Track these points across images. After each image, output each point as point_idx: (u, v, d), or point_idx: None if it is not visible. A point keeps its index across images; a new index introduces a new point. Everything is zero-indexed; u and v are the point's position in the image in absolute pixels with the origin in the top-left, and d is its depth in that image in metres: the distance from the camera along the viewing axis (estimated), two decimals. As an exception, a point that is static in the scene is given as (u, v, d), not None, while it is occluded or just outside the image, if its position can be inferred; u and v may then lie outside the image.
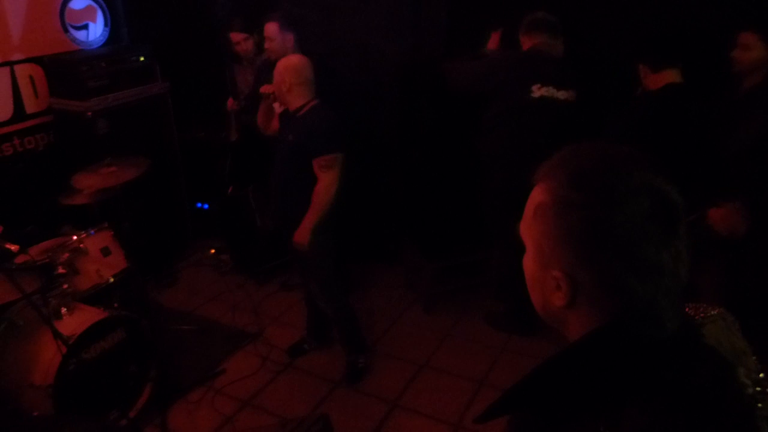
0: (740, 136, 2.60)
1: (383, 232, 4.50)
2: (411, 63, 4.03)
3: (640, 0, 3.21)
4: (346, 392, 3.28)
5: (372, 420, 3.06)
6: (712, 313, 0.94)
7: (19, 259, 2.73)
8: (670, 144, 2.58)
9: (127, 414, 2.92)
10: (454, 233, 3.97)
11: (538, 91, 3.14)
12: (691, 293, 0.92)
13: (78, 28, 4.43)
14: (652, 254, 0.78)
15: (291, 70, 2.96)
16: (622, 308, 0.81)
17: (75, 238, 3.12)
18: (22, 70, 4.11)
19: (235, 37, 4.04)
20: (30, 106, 4.19)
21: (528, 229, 0.90)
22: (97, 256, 3.18)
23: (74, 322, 2.82)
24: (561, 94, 3.16)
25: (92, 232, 3.20)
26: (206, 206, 4.98)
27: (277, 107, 3.26)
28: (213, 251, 4.78)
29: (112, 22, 4.64)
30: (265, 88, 3.12)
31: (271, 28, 3.59)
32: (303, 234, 2.99)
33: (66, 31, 4.35)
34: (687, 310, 0.93)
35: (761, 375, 0.86)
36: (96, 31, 4.56)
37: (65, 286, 2.94)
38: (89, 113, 3.98)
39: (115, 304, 3.23)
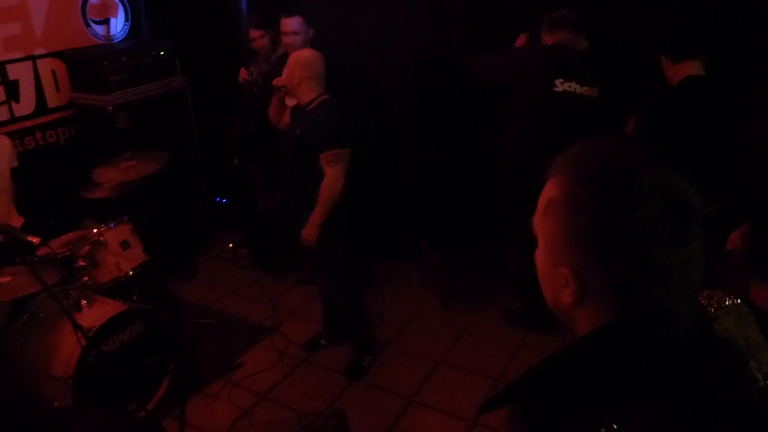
0: (762, 134, 2.54)
1: (401, 227, 4.49)
2: (429, 58, 4.00)
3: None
4: (362, 387, 3.28)
5: (388, 415, 3.06)
6: (727, 303, 0.92)
7: (41, 252, 2.76)
8: (688, 139, 2.54)
9: (146, 406, 2.94)
10: (471, 229, 3.95)
11: (561, 86, 3.10)
12: (713, 285, 0.90)
13: (99, 23, 4.47)
14: (662, 258, 0.77)
15: (302, 63, 2.96)
16: (630, 309, 0.80)
17: (95, 231, 3.14)
18: (44, 65, 4.16)
19: (252, 33, 4.04)
20: (52, 100, 4.24)
21: (540, 224, 0.89)
22: (117, 249, 3.21)
23: (94, 314, 2.85)
24: (584, 90, 3.13)
25: (112, 225, 3.23)
26: (225, 201, 5.00)
27: (288, 101, 3.26)
28: (231, 245, 4.81)
29: (132, 17, 4.68)
30: (277, 81, 3.12)
31: (296, 23, 3.59)
32: (311, 230, 2.99)
33: (87, 25, 4.39)
34: (701, 299, 0.91)
35: None
36: (117, 25, 4.60)
37: (85, 278, 2.97)
38: (110, 107, 4.01)
39: (134, 297, 3.26)
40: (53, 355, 2.75)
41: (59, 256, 2.87)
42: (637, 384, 0.76)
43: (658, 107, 2.73)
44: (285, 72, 3.01)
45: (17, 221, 3.49)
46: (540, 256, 0.91)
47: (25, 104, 4.09)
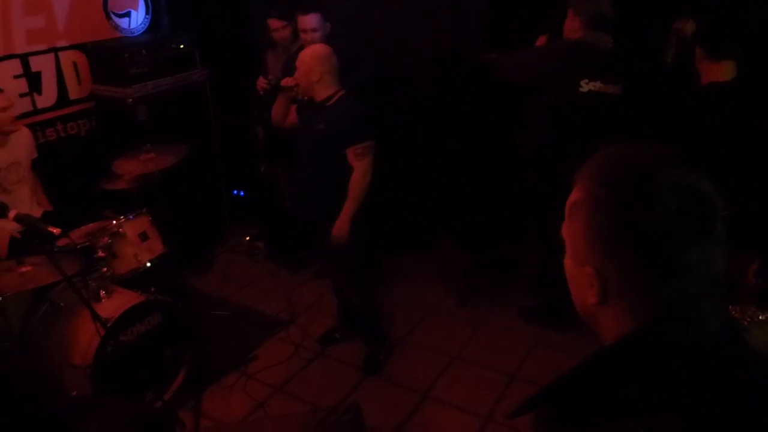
0: None
1: (418, 223, 4.48)
2: (449, 55, 3.98)
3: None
4: (377, 382, 3.29)
5: (402, 410, 3.06)
6: (761, 317, 0.91)
7: (61, 242, 2.79)
8: (713, 146, 2.49)
9: (162, 396, 2.97)
10: (488, 226, 3.93)
11: (586, 86, 3.04)
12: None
13: (120, 16, 4.50)
14: (681, 254, 0.78)
15: (321, 59, 2.94)
16: (658, 307, 0.80)
17: (114, 222, 3.18)
18: (66, 57, 4.20)
19: (274, 23, 4.04)
20: (73, 92, 4.28)
21: (566, 228, 0.91)
22: (136, 240, 3.24)
23: (112, 305, 2.88)
24: (607, 89, 3.06)
25: (131, 217, 3.26)
26: (242, 194, 5.03)
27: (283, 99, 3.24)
28: (248, 238, 4.83)
29: (153, 10, 4.70)
30: (286, 81, 3.09)
31: (315, 20, 3.58)
32: (342, 226, 2.99)
33: (109, 18, 4.42)
34: (734, 313, 0.91)
35: None
36: (138, 18, 4.63)
37: (104, 269, 3.00)
38: (130, 100, 4.04)
39: (152, 288, 3.28)
40: (72, 345, 2.78)
41: (79, 246, 2.90)
42: (668, 387, 0.77)
43: (683, 116, 2.66)
44: (301, 69, 2.97)
45: (39, 211, 3.54)
46: (567, 260, 0.93)
47: (47, 96, 4.14)
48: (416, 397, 3.15)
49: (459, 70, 3.90)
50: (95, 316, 2.59)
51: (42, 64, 4.07)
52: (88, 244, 2.99)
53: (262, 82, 4.05)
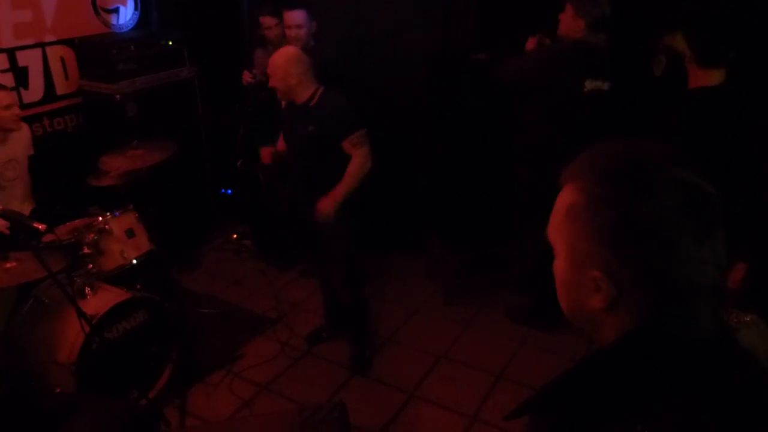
0: None
1: (407, 222, 4.49)
2: (440, 54, 3.99)
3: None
4: (363, 381, 3.29)
5: (388, 409, 3.07)
6: (746, 319, 0.92)
7: (47, 238, 2.77)
8: (701, 148, 2.50)
9: (147, 394, 2.96)
10: (477, 225, 3.94)
11: (589, 86, 3.10)
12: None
13: (109, 12, 4.47)
14: (689, 250, 0.77)
15: (295, 61, 2.92)
16: (660, 305, 0.80)
17: (101, 219, 3.16)
18: (53, 52, 4.17)
19: (266, 21, 4.03)
20: (60, 87, 4.25)
21: (559, 232, 0.88)
22: (122, 237, 3.21)
23: (98, 302, 2.86)
24: (604, 86, 3.13)
25: (117, 213, 3.23)
26: (230, 192, 5.01)
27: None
28: (235, 236, 4.82)
29: (142, 6, 4.67)
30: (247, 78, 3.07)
31: (300, 16, 3.57)
32: (329, 203, 2.97)
33: (97, 13, 4.39)
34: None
35: None
36: (126, 14, 4.59)
37: (90, 266, 2.98)
38: (118, 96, 4.02)
39: (138, 286, 3.27)
40: (57, 342, 2.76)
41: (64, 242, 2.88)
42: (670, 386, 0.76)
43: (671, 119, 2.67)
44: (277, 75, 2.93)
45: (29, 208, 3.51)
46: (561, 265, 0.90)
47: (34, 91, 4.10)
48: (403, 396, 3.16)
49: (451, 69, 3.90)
50: (80, 313, 2.58)
51: (29, 59, 4.04)
52: (73, 240, 2.97)
53: (247, 76, 4.05)
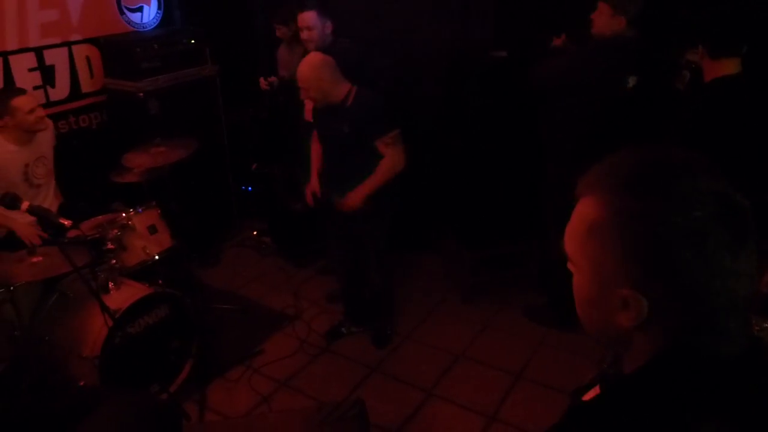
0: None
1: (424, 220, 4.48)
2: (458, 51, 3.98)
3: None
4: (381, 378, 3.30)
5: (407, 407, 3.07)
6: (765, 325, 0.91)
7: (71, 234, 2.82)
8: (724, 143, 2.48)
9: (168, 388, 3.00)
10: (494, 224, 3.93)
11: (631, 82, 3.09)
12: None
13: (133, 11, 4.53)
14: (726, 260, 0.73)
15: (323, 66, 2.95)
16: (694, 320, 0.76)
17: (124, 215, 3.20)
18: (79, 51, 4.24)
19: (279, 30, 4.08)
20: (85, 85, 4.32)
21: (581, 249, 0.83)
22: (144, 233, 3.26)
23: (121, 296, 2.91)
24: (637, 82, 3.11)
25: (140, 210, 3.28)
26: (250, 189, 5.05)
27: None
28: (255, 233, 4.85)
29: (165, 5, 4.73)
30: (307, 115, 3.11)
31: (310, 17, 3.53)
32: (357, 197, 3.06)
33: (122, 13, 4.45)
34: None
35: None
36: (150, 13, 4.65)
37: (113, 261, 3.03)
38: (141, 94, 4.07)
39: (160, 281, 3.31)
40: (81, 335, 2.81)
41: (89, 238, 2.93)
42: (706, 408, 0.74)
43: (690, 114, 2.66)
44: (312, 86, 2.96)
45: (56, 203, 3.58)
46: (583, 282, 0.85)
47: (60, 89, 4.17)
48: (421, 394, 3.16)
49: (467, 66, 3.89)
50: (104, 308, 2.62)
51: (56, 58, 4.11)
52: (97, 236, 3.02)
53: (262, 83, 4.08)
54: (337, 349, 3.55)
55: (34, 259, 2.75)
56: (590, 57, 3.15)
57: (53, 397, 2.64)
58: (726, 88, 2.56)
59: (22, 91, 3.30)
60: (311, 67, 2.96)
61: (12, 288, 2.67)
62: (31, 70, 3.97)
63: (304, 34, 3.60)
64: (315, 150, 3.41)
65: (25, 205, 2.55)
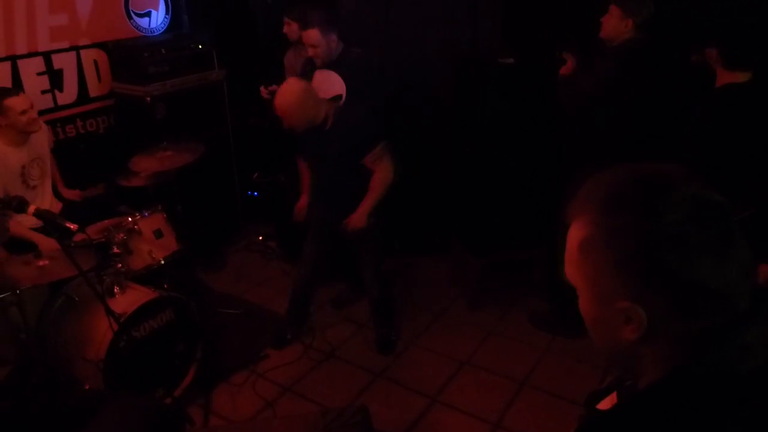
0: None
1: (431, 225, 4.48)
2: (467, 56, 3.99)
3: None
4: (385, 384, 3.29)
5: (411, 413, 3.06)
6: None
7: (78, 238, 2.83)
8: (731, 145, 2.48)
9: (173, 392, 3.00)
10: (501, 230, 3.92)
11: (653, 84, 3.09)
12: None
13: (141, 15, 4.56)
14: (713, 258, 0.75)
15: (307, 94, 2.98)
16: (700, 334, 0.77)
17: (130, 219, 3.21)
18: (87, 55, 4.26)
19: (288, 26, 4.09)
20: (93, 89, 4.34)
21: (577, 270, 0.86)
22: (150, 237, 3.27)
23: (126, 300, 2.91)
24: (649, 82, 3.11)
25: (146, 214, 3.29)
26: (256, 194, 5.06)
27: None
28: (261, 238, 4.86)
29: (173, 10, 4.75)
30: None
31: (313, 35, 3.46)
32: (361, 218, 3.12)
33: (130, 17, 4.48)
34: None
35: None
36: (158, 18, 4.68)
37: (119, 265, 3.03)
38: (148, 98, 4.09)
39: (165, 285, 3.31)
40: (86, 339, 2.82)
41: (95, 242, 2.93)
42: (726, 423, 0.74)
43: (700, 117, 2.65)
44: (293, 115, 2.99)
45: (58, 206, 3.59)
46: (585, 304, 0.88)
47: (68, 93, 4.20)
48: (425, 401, 3.15)
49: (478, 72, 3.89)
50: (109, 311, 2.62)
51: (64, 62, 4.13)
52: (103, 239, 3.03)
53: (263, 92, 4.09)
54: (341, 354, 3.54)
55: (41, 263, 2.76)
56: (624, 70, 3.07)
57: (58, 400, 2.64)
58: (734, 94, 2.58)
59: (15, 92, 3.33)
60: (293, 97, 2.96)
61: (18, 291, 2.67)
62: (39, 74, 4.00)
63: (310, 51, 3.57)
64: (303, 168, 3.48)
65: (32, 208, 2.56)
